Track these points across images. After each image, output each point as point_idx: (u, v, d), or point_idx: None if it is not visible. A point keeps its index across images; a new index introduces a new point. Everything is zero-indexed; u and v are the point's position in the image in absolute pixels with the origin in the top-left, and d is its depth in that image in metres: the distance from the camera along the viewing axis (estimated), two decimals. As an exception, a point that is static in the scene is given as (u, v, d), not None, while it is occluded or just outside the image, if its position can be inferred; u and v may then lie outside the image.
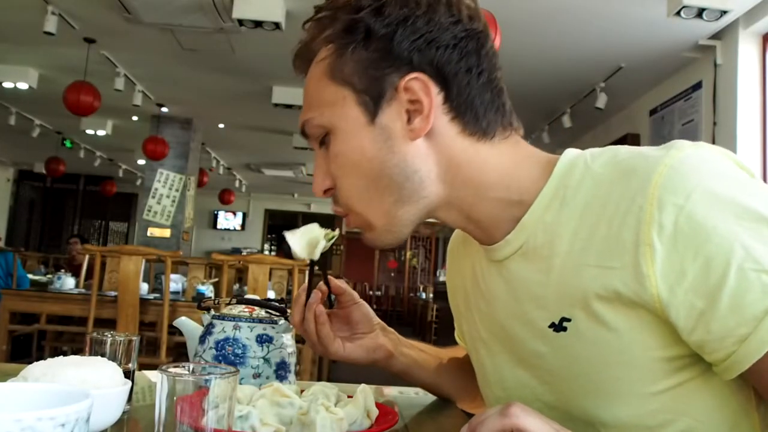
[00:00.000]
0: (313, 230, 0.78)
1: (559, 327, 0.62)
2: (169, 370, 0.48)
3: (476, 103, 0.65)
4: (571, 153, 0.65)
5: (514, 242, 0.66)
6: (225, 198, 10.63)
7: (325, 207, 13.27)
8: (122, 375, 0.66)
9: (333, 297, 0.85)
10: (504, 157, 0.66)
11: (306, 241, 0.78)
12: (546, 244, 0.63)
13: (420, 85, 0.63)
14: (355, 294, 0.87)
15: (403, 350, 0.88)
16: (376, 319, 0.88)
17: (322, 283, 0.84)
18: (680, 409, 0.58)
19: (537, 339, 0.64)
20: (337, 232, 0.79)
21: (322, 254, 0.78)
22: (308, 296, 0.81)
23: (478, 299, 0.74)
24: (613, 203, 0.58)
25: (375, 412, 0.70)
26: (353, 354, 0.84)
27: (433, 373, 0.91)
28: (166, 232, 7.23)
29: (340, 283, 0.85)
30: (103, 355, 0.73)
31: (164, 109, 6.86)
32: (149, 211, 7.22)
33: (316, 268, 0.82)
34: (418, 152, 0.64)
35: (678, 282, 0.54)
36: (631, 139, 5.22)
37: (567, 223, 0.61)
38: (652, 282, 0.55)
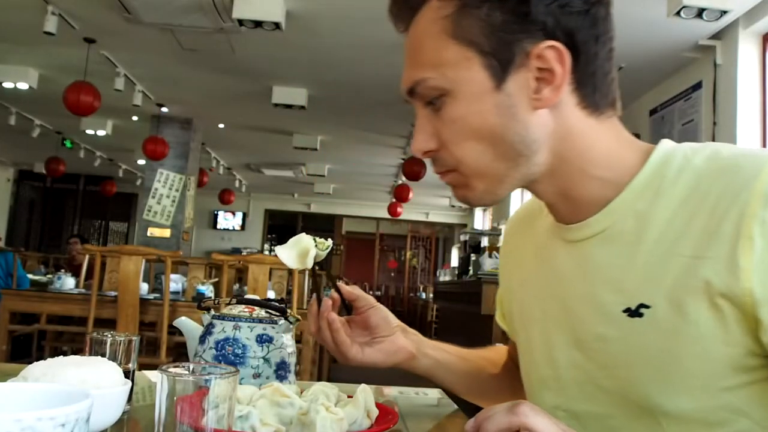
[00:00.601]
0: (302, 240, 0.79)
1: (635, 313, 0.61)
2: (170, 370, 0.48)
3: (598, 74, 0.63)
4: (668, 144, 0.65)
5: (597, 225, 0.65)
6: (225, 198, 10.62)
7: (325, 207, 13.29)
8: (122, 375, 0.66)
9: (348, 303, 0.85)
10: (609, 135, 0.65)
11: (296, 252, 0.78)
12: (634, 230, 0.62)
13: (555, 55, 0.60)
14: (371, 298, 0.86)
15: (426, 351, 0.87)
16: (396, 321, 0.87)
17: (334, 291, 0.84)
18: (743, 409, 0.58)
19: (605, 323, 0.63)
20: (330, 242, 0.79)
21: (328, 262, 0.79)
22: (319, 304, 0.81)
23: (539, 278, 0.73)
24: (715, 196, 0.57)
25: (375, 412, 0.70)
26: (373, 358, 0.83)
27: (457, 374, 0.90)
28: (166, 232, 7.23)
29: (351, 289, 0.85)
30: (103, 355, 0.73)
31: (164, 109, 6.86)
32: (149, 211, 7.22)
33: (318, 270, 0.82)
34: (540, 121, 0.62)
35: None
36: (631, 139, 5.22)
37: (661, 212, 0.61)
38: (747, 275, 0.54)
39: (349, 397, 0.71)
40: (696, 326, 0.57)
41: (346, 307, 0.85)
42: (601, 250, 0.64)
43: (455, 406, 0.96)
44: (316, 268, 0.82)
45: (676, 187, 0.61)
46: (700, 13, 3.44)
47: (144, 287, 3.74)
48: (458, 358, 0.91)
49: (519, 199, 9.36)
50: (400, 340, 0.85)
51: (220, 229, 12.97)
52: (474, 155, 0.63)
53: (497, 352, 0.97)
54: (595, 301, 0.64)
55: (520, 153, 0.63)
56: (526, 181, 0.66)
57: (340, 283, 0.84)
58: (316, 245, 0.78)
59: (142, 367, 0.91)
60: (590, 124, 0.64)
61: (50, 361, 0.64)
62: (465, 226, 12.52)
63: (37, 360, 0.66)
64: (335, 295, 0.83)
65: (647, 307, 0.60)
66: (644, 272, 0.60)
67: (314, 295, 0.83)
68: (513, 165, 0.63)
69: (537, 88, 0.61)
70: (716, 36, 4.07)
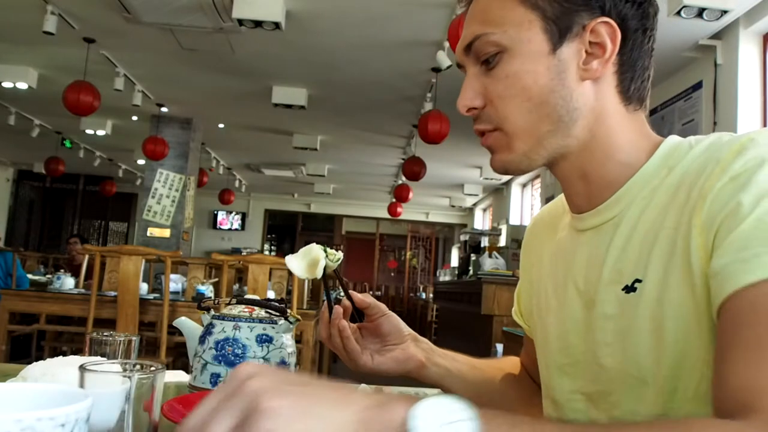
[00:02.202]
0: (312, 250, 0.78)
1: (630, 288, 0.64)
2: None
3: (637, 66, 0.68)
4: (675, 137, 0.70)
5: (607, 212, 0.69)
6: (225, 198, 10.62)
7: (325, 207, 13.29)
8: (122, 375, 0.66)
9: (360, 310, 0.85)
10: (634, 127, 0.70)
11: (306, 262, 0.78)
12: (637, 215, 0.66)
13: (608, 31, 0.65)
14: (383, 306, 0.87)
15: (436, 360, 0.88)
16: (407, 330, 0.88)
17: (345, 299, 0.84)
18: None
19: (608, 303, 0.66)
20: (341, 254, 0.79)
21: (340, 268, 0.79)
22: (330, 312, 0.81)
23: (556, 270, 0.76)
24: (696, 171, 0.61)
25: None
26: (383, 366, 0.84)
27: (468, 384, 0.89)
28: (166, 232, 7.23)
29: (363, 297, 0.85)
30: (102, 355, 0.72)
31: (164, 109, 6.86)
32: (149, 211, 7.22)
33: (332, 282, 0.82)
34: (583, 92, 0.67)
35: (722, 208, 0.56)
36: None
37: (659, 197, 0.65)
38: (698, 231, 0.57)
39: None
40: (677, 294, 0.59)
41: (358, 314, 0.85)
42: (610, 235, 0.68)
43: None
44: (333, 283, 0.82)
45: (675, 172, 0.65)
46: (700, 12, 3.44)
47: (144, 287, 3.74)
48: (469, 368, 0.91)
49: (519, 200, 9.37)
50: (410, 349, 0.86)
51: (219, 229, 12.97)
52: (519, 112, 0.67)
53: (511, 363, 0.97)
54: (602, 282, 0.67)
55: (561, 118, 0.67)
56: (561, 152, 0.69)
57: (353, 291, 0.84)
58: (326, 256, 0.77)
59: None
60: (621, 111, 0.69)
61: (50, 362, 0.64)
62: (465, 226, 12.52)
63: (37, 360, 0.66)
64: (346, 302, 0.84)
65: (640, 281, 0.63)
66: (638, 251, 0.64)
67: (325, 303, 0.83)
68: (553, 129, 0.67)
69: (586, 59, 0.66)
70: (717, 36, 4.07)
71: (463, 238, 6.96)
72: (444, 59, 4.30)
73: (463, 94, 0.70)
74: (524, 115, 0.67)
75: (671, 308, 0.60)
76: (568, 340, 0.72)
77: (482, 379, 0.91)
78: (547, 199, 7.42)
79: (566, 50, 0.66)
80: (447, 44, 4.16)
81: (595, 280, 0.68)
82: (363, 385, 0.72)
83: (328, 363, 4.84)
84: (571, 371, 0.72)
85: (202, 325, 0.91)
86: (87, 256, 4.53)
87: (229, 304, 0.92)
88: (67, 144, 8.49)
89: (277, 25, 4.02)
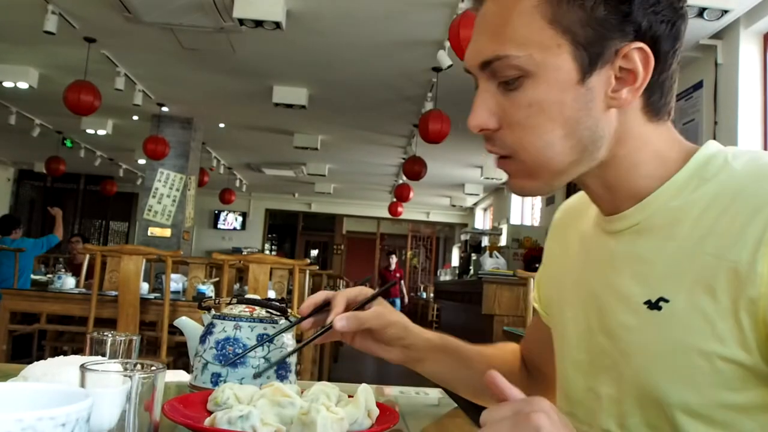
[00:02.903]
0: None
1: (654, 305, 0.62)
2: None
3: (666, 84, 0.65)
4: (712, 146, 0.66)
5: (632, 217, 0.66)
6: (225, 197, 10.62)
7: (326, 206, 13.28)
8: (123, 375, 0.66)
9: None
10: (661, 139, 0.66)
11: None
12: (665, 226, 0.63)
13: (641, 56, 0.61)
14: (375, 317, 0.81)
15: (425, 336, 0.87)
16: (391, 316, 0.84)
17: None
18: (749, 412, 0.58)
19: (628, 312, 0.64)
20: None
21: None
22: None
23: (579, 266, 0.74)
24: (744, 198, 0.58)
25: (376, 411, 0.70)
26: (365, 346, 0.84)
27: (458, 364, 0.90)
28: (167, 232, 7.23)
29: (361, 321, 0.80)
30: (103, 355, 0.72)
31: (165, 109, 6.86)
32: (150, 210, 7.22)
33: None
34: (609, 120, 0.63)
35: None
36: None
37: (693, 210, 0.61)
38: (764, 281, 0.54)
39: (349, 396, 0.71)
40: (712, 325, 0.57)
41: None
42: (633, 243, 0.66)
43: (456, 406, 0.96)
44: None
45: (710, 186, 0.61)
46: (701, 12, 3.44)
47: (144, 287, 3.74)
48: (461, 348, 0.91)
49: (520, 200, 9.36)
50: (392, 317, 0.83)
51: (220, 229, 12.97)
52: (540, 144, 0.62)
53: (510, 350, 0.97)
54: (621, 291, 0.66)
55: (585, 148, 0.63)
56: (583, 174, 0.66)
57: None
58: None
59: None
60: (647, 128, 0.65)
61: (50, 361, 0.64)
62: (465, 225, 12.52)
63: (38, 360, 0.66)
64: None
65: (666, 301, 0.61)
66: (668, 267, 0.61)
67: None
68: (576, 160, 0.64)
69: (616, 87, 0.62)
70: (717, 35, 4.06)
71: (463, 237, 6.96)
72: (445, 59, 4.30)
73: (475, 111, 0.64)
74: (545, 147, 0.62)
75: (705, 342, 0.58)
76: (586, 339, 0.71)
77: (472, 361, 0.90)
78: (547, 199, 7.42)
79: (595, 78, 0.61)
80: (447, 44, 4.16)
81: (615, 285, 0.67)
82: (364, 384, 0.72)
83: (329, 363, 4.84)
84: (587, 369, 0.71)
85: (203, 325, 0.91)
86: (88, 256, 4.53)
87: (229, 303, 0.92)
88: (68, 144, 8.49)
89: (277, 24, 4.02)
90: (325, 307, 0.83)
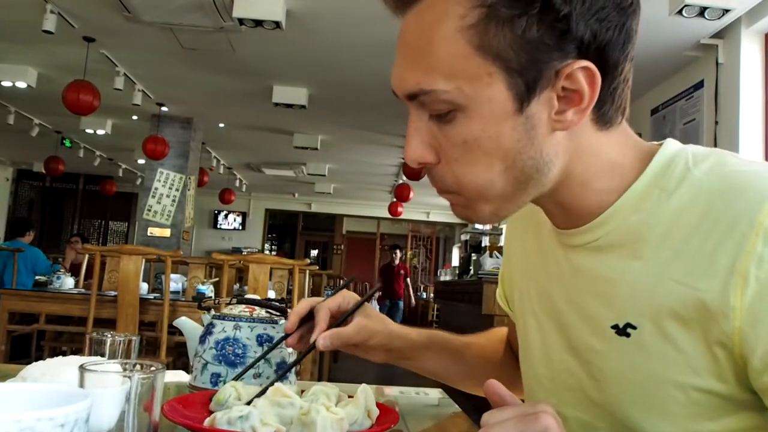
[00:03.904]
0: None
1: (622, 331, 0.58)
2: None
3: (617, 92, 0.59)
4: (670, 147, 0.61)
5: (590, 233, 0.62)
6: (225, 197, 10.62)
7: (326, 206, 13.28)
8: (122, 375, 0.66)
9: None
10: (615, 146, 0.61)
11: None
12: (627, 244, 0.59)
13: (587, 76, 0.54)
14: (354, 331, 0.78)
15: (398, 332, 0.84)
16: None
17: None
18: None
19: (594, 335, 0.61)
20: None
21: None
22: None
23: (540, 272, 0.70)
24: (712, 219, 0.54)
25: (376, 412, 0.70)
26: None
27: (445, 352, 0.88)
28: (166, 232, 7.23)
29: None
30: (102, 355, 0.72)
31: (164, 109, 6.85)
32: (149, 210, 7.21)
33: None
34: (555, 143, 0.57)
35: (764, 322, 0.51)
36: (631, 138, 5.22)
37: (655, 227, 0.57)
38: (737, 315, 0.51)
39: (349, 397, 0.71)
40: (685, 356, 0.55)
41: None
42: (593, 260, 0.62)
43: (456, 406, 0.96)
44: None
45: (673, 200, 0.57)
46: (702, 11, 3.43)
47: (144, 287, 3.74)
48: (449, 343, 0.89)
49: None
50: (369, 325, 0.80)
51: (220, 229, 12.97)
52: (480, 180, 0.57)
53: (497, 339, 0.96)
54: (586, 311, 0.63)
55: (531, 177, 0.58)
56: (533, 199, 0.62)
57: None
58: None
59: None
60: (598, 139, 0.60)
61: (49, 362, 0.63)
62: (466, 225, 12.51)
63: (37, 360, 0.65)
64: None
65: (634, 327, 0.58)
66: (633, 290, 0.58)
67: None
68: (522, 188, 0.59)
69: (559, 108, 0.56)
70: (718, 35, 4.06)
71: (463, 237, 6.96)
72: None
73: (409, 144, 0.59)
74: (486, 183, 0.57)
75: (678, 372, 0.55)
76: (548, 355, 0.68)
77: (461, 349, 0.89)
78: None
79: (535, 105, 0.55)
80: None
81: (580, 304, 0.63)
82: (363, 384, 0.72)
83: (329, 363, 4.84)
84: (548, 386, 0.69)
85: (203, 325, 0.91)
86: (87, 256, 4.53)
87: (229, 303, 0.92)
88: (67, 143, 8.48)
89: (277, 24, 4.02)
90: (310, 316, 0.80)
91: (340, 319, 0.80)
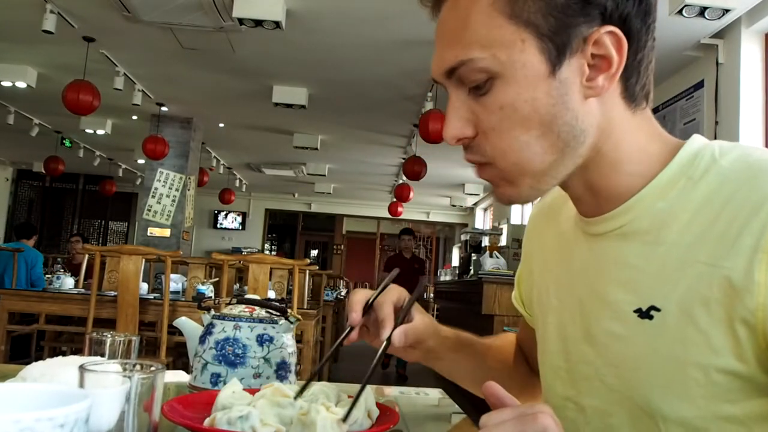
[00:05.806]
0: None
1: (645, 314, 0.59)
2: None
3: (643, 64, 0.61)
4: (697, 141, 0.63)
5: (615, 220, 0.63)
6: (225, 197, 10.62)
7: (326, 206, 13.28)
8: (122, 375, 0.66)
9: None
10: (642, 132, 0.63)
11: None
12: (652, 230, 0.60)
13: (613, 41, 0.58)
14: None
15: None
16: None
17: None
18: (746, 423, 0.57)
19: (616, 321, 0.62)
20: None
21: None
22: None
23: (559, 268, 0.72)
24: (737, 202, 0.55)
25: (376, 412, 0.69)
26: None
27: (460, 356, 0.86)
28: (166, 232, 7.23)
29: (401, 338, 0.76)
30: (102, 356, 0.72)
31: (164, 109, 6.85)
32: (149, 210, 7.21)
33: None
34: (589, 111, 0.60)
35: None
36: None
37: (680, 213, 0.59)
38: (762, 290, 0.52)
39: (349, 397, 0.71)
40: (706, 336, 0.56)
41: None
42: (617, 247, 0.63)
43: (456, 406, 0.96)
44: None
45: (699, 188, 0.59)
46: (702, 11, 3.43)
47: (144, 287, 3.74)
48: (474, 345, 0.87)
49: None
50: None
51: (220, 229, 12.97)
52: (518, 146, 0.59)
53: (510, 342, 0.95)
54: (608, 297, 0.63)
55: (567, 144, 0.60)
56: (568, 175, 0.63)
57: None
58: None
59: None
60: (628, 117, 0.62)
61: (49, 362, 0.63)
62: (466, 225, 12.52)
63: (36, 360, 0.65)
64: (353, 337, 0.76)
65: (658, 310, 0.59)
66: (658, 275, 0.59)
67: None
68: (559, 158, 0.60)
69: (590, 75, 0.59)
70: (718, 34, 4.06)
71: (463, 237, 6.95)
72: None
73: (449, 122, 0.62)
74: (523, 149, 0.59)
75: (699, 354, 0.56)
76: (566, 346, 0.69)
77: (473, 353, 0.87)
78: (547, 198, 7.40)
79: (567, 70, 0.58)
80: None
81: (601, 291, 0.64)
82: (364, 385, 0.72)
83: (329, 363, 4.84)
84: (566, 377, 0.69)
85: (203, 325, 0.91)
86: (87, 256, 4.53)
87: (229, 303, 0.92)
88: (67, 143, 8.48)
89: (277, 24, 4.02)
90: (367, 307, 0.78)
91: (400, 315, 0.77)
